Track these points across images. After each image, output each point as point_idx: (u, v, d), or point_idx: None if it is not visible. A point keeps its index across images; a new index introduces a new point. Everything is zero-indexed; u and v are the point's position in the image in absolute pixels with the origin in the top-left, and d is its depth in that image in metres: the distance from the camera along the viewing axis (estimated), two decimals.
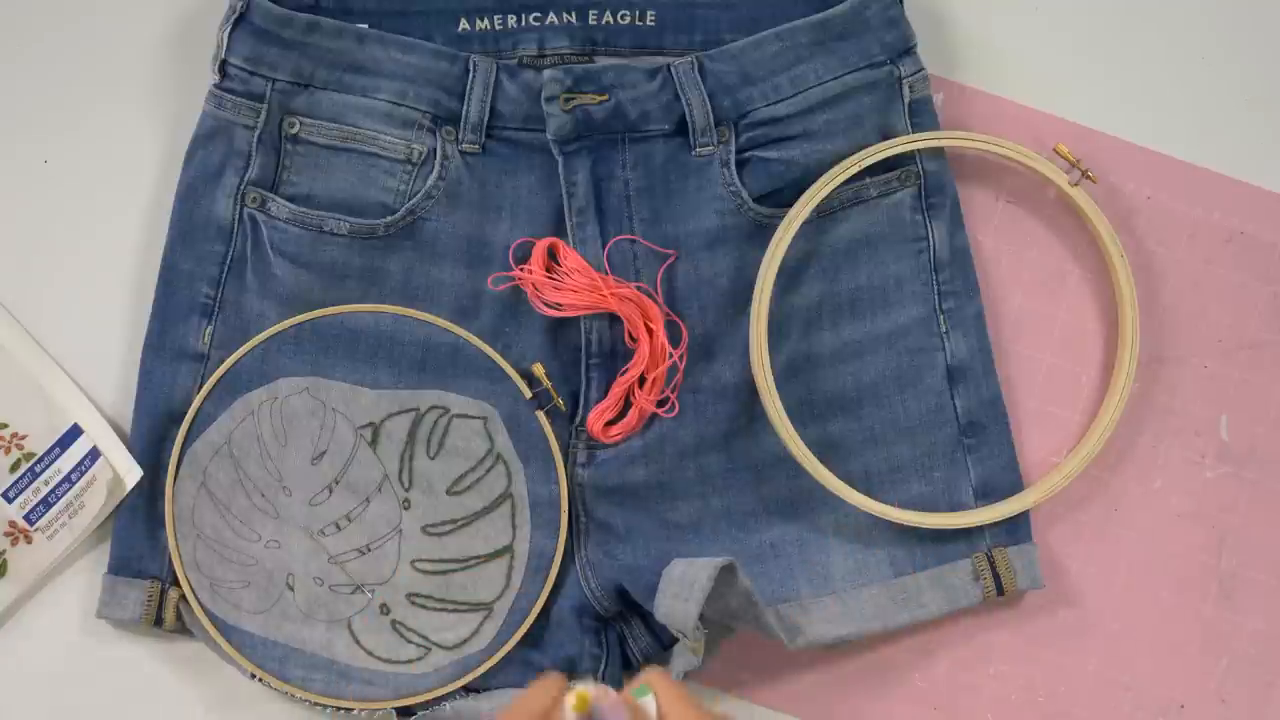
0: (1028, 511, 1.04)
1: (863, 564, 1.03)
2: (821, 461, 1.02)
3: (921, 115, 1.05)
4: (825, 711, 1.06)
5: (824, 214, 1.04)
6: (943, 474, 1.04)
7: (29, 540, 1.03)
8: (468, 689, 1.02)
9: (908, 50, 1.04)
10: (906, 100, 1.04)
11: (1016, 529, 1.04)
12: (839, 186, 1.02)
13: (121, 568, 1.03)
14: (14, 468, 1.03)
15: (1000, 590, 1.03)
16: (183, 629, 1.03)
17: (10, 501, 1.03)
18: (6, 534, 1.03)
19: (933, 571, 1.03)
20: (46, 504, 1.03)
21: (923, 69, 1.05)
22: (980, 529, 1.04)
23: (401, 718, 1.02)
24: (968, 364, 1.05)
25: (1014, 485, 1.05)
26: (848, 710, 1.06)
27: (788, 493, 1.04)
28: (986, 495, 1.04)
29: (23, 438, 1.04)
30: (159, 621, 1.02)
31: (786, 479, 1.04)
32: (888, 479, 1.04)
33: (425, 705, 1.02)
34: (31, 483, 1.03)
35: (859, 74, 1.03)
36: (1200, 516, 1.08)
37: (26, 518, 1.03)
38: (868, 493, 1.03)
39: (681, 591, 0.96)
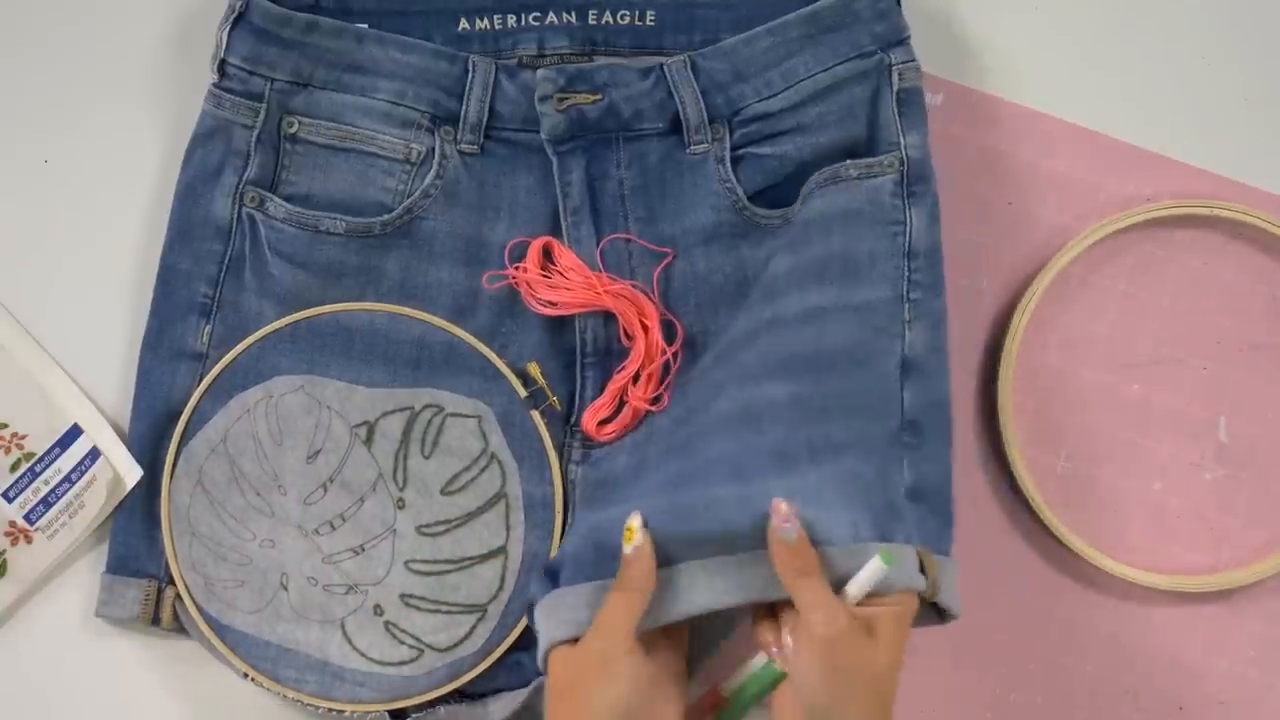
0: (951, 529, 1.00)
1: (817, 521, 0.92)
2: (775, 422, 0.96)
3: (909, 105, 1.04)
4: None
5: (805, 197, 1.03)
6: (879, 464, 0.98)
7: (29, 540, 1.03)
8: (461, 693, 1.02)
9: (899, 41, 1.04)
10: (895, 88, 1.03)
11: (941, 541, 0.99)
12: (818, 170, 1.02)
13: (119, 567, 1.03)
14: (14, 467, 1.03)
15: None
16: (180, 628, 1.03)
17: (10, 501, 1.03)
18: (6, 534, 1.03)
19: (888, 546, 0.92)
20: (46, 504, 1.03)
21: (914, 60, 1.04)
22: (913, 527, 0.95)
23: None
24: (921, 360, 1.02)
25: (945, 493, 1.01)
26: None
27: (735, 451, 0.97)
28: (917, 499, 1.00)
29: (23, 437, 1.04)
30: (156, 620, 1.02)
31: (734, 435, 0.97)
32: (831, 455, 0.97)
33: (419, 708, 1.02)
34: (31, 482, 1.03)
35: (849, 64, 1.03)
36: (1199, 518, 1.07)
37: (26, 517, 1.03)
38: (813, 465, 0.95)
39: (540, 632, 0.94)
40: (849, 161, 1.03)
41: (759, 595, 0.90)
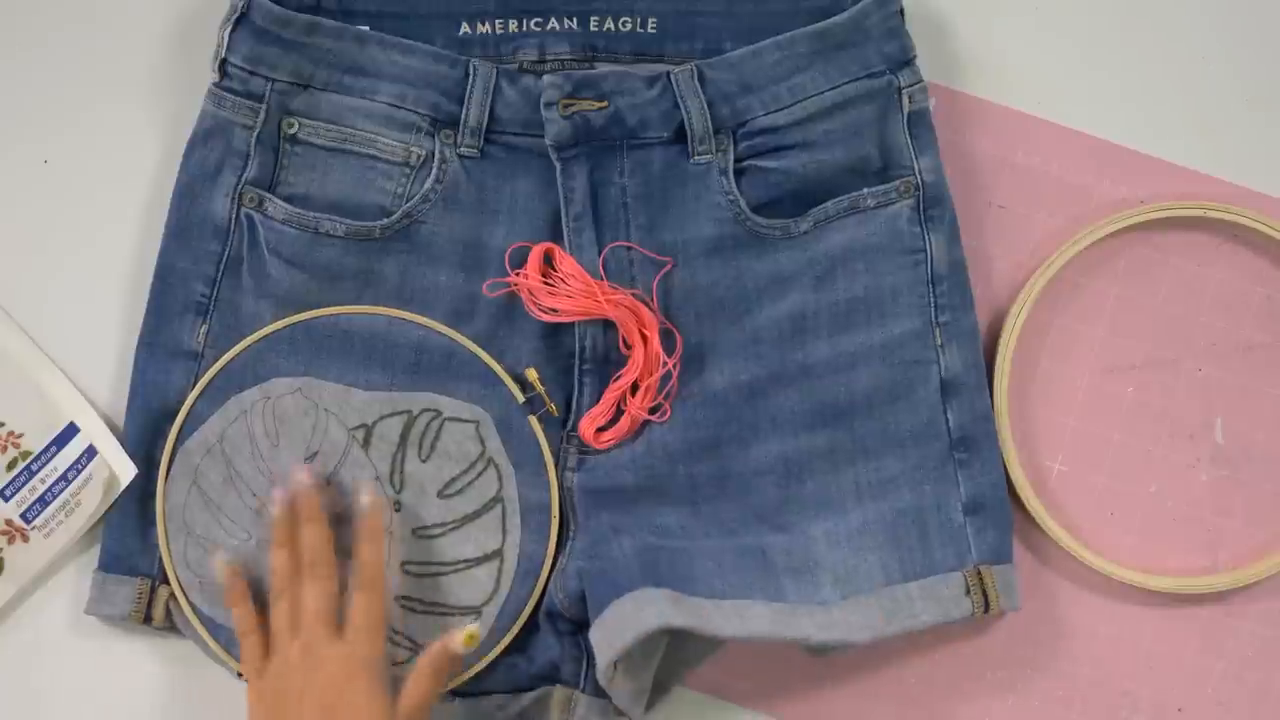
0: (1011, 532, 1.03)
1: (854, 571, 1.02)
2: (813, 473, 1.02)
3: (920, 127, 1.04)
4: (812, 713, 1.06)
5: (820, 223, 1.04)
6: (933, 488, 1.03)
7: (25, 539, 1.03)
8: (456, 692, 1.02)
9: (907, 61, 1.04)
10: (905, 111, 1.04)
11: (1000, 548, 1.03)
12: (836, 199, 1.03)
13: (113, 564, 1.03)
14: (10, 466, 1.03)
15: (987, 608, 1.02)
16: (172, 627, 1.03)
17: (7, 500, 1.03)
18: (3, 532, 1.03)
19: (924, 582, 1.02)
20: (43, 502, 1.03)
21: (921, 80, 1.04)
22: (968, 545, 1.02)
23: None
24: (961, 378, 1.04)
25: (1002, 502, 1.04)
26: (832, 713, 1.06)
27: (778, 501, 1.03)
28: (976, 511, 1.03)
29: (19, 436, 1.04)
30: (148, 619, 1.02)
31: (775, 487, 1.03)
32: (878, 491, 1.03)
33: None
34: (28, 481, 1.03)
35: (858, 84, 1.03)
36: (1196, 520, 1.07)
37: (23, 516, 1.03)
38: (858, 504, 1.02)
39: (603, 641, 0.96)
40: (866, 191, 1.03)
41: (778, 635, 0.98)
